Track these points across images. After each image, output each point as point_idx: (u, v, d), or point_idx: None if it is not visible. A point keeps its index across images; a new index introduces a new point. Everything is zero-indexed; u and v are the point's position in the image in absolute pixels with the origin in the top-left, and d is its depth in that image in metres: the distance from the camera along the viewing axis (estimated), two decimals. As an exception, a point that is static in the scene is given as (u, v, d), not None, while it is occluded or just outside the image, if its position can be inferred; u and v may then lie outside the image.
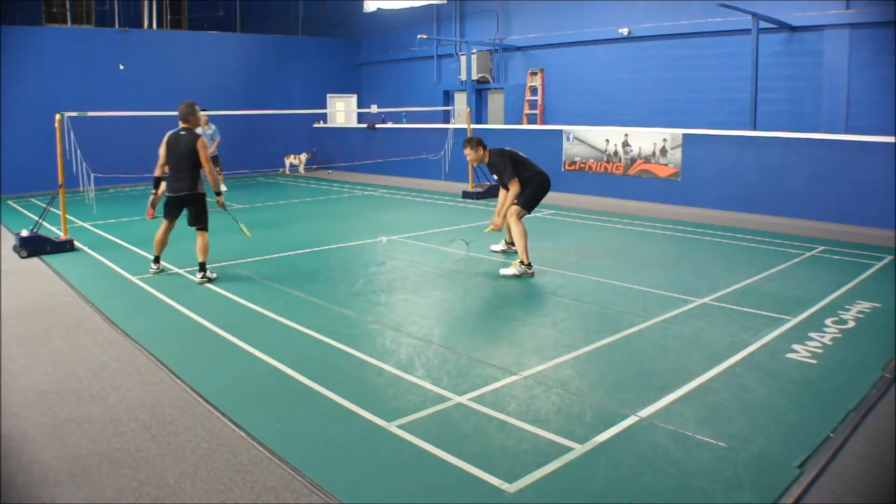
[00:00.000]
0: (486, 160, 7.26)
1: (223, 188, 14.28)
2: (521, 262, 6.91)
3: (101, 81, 15.79)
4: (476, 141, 7.33)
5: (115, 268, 7.43)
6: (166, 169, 6.83)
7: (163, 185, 7.08)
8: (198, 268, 6.79)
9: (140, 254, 8.12)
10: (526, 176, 7.12)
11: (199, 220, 6.83)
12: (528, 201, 7.13)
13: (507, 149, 7.29)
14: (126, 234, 9.40)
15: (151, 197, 7.48)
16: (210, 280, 6.76)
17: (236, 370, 4.48)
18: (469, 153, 7.32)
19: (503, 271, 6.96)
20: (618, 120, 13.92)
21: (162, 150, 6.80)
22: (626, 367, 4.47)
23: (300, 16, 21.44)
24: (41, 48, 15.14)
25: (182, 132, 6.71)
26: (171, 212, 6.90)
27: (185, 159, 6.66)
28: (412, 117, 18.67)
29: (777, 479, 3.08)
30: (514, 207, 7.05)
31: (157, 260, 7.11)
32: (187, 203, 6.80)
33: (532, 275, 6.87)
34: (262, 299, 6.05)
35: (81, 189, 9.88)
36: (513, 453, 3.33)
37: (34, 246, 8.11)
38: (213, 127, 13.81)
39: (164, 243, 7.03)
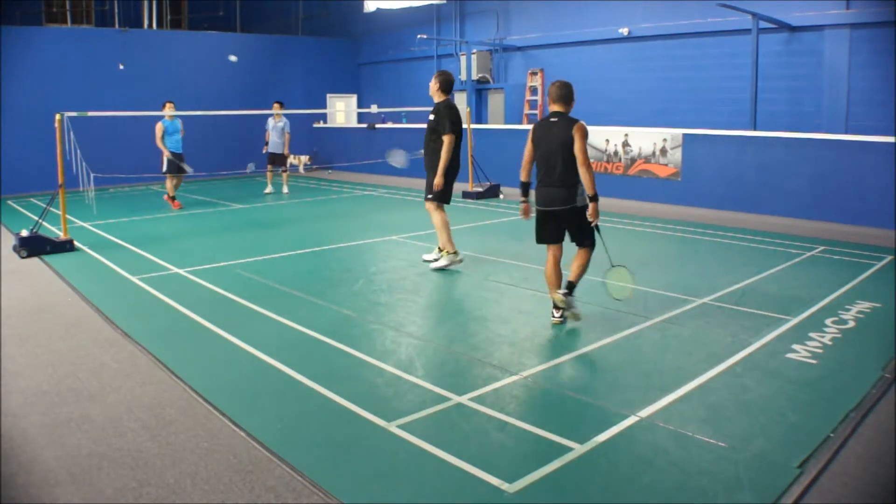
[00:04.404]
0: (436, 102, 7.11)
1: (284, 190, 13.97)
2: (448, 252, 7.06)
3: (101, 81, 15.80)
4: (444, 80, 7.04)
5: (115, 268, 7.43)
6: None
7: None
8: (566, 287, 5.32)
9: (140, 254, 8.13)
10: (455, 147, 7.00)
11: (585, 238, 5.29)
12: (446, 193, 7.10)
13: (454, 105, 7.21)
14: (126, 234, 9.40)
15: (522, 205, 5.47)
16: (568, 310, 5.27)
17: (236, 370, 4.48)
18: (432, 84, 7.13)
19: (431, 263, 7.21)
20: (618, 120, 13.91)
21: (529, 147, 5.28)
22: (626, 367, 4.47)
23: (300, 16, 21.44)
24: (41, 48, 15.15)
25: (553, 118, 5.16)
26: (548, 231, 5.25)
27: (555, 155, 5.09)
28: (412, 117, 18.65)
29: (777, 479, 3.08)
30: (432, 203, 7.05)
31: (569, 290, 5.28)
32: (564, 221, 5.23)
33: (461, 261, 7.14)
34: (262, 299, 6.05)
35: (81, 189, 9.87)
36: (513, 453, 3.33)
37: (34, 246, 8.11)
38: (284, 119, 13.65)
39: (557, 275, 5.29)
